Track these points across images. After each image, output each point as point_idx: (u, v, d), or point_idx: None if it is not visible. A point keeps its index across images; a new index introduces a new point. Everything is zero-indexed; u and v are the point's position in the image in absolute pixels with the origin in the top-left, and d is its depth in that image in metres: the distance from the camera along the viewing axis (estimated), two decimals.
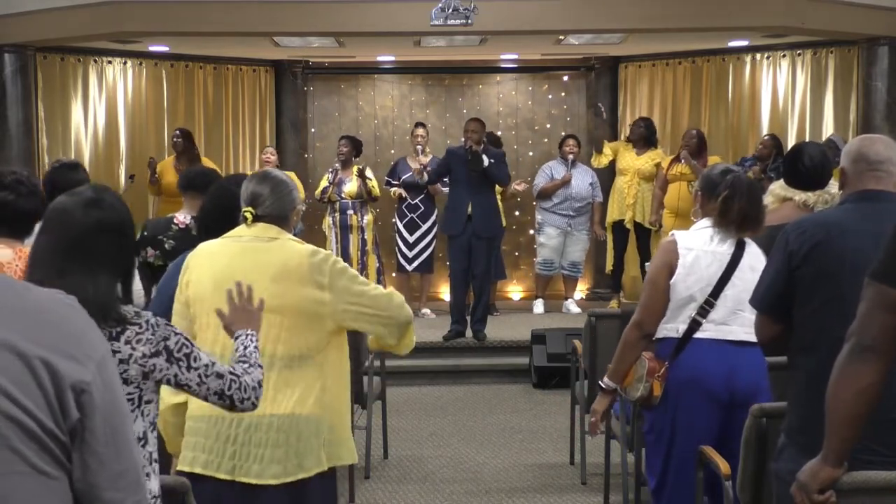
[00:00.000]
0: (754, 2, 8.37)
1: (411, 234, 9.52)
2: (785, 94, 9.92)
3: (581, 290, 10.60)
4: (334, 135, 10.29)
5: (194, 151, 9.19)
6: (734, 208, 3.69)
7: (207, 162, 9.04)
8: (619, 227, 9.65)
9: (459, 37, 8.76)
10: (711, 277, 3.70)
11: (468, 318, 8.39)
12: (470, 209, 8.20)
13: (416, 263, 9.53)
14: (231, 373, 2.50)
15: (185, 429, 3.10)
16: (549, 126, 10.99)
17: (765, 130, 9.78)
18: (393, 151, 10.70)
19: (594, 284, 10.74)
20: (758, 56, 10.05)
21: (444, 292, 10.03)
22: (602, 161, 9.65)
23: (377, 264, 9.40)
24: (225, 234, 3.18)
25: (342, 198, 9.29)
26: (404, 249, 9.53)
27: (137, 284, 4.48)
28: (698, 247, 3.73)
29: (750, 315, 3.65)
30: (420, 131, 9.59)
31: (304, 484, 3.03)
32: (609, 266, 9.86)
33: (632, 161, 9.53)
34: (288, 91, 10.86)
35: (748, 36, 9.46)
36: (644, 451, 4.13)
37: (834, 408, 2.34)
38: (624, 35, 9.01)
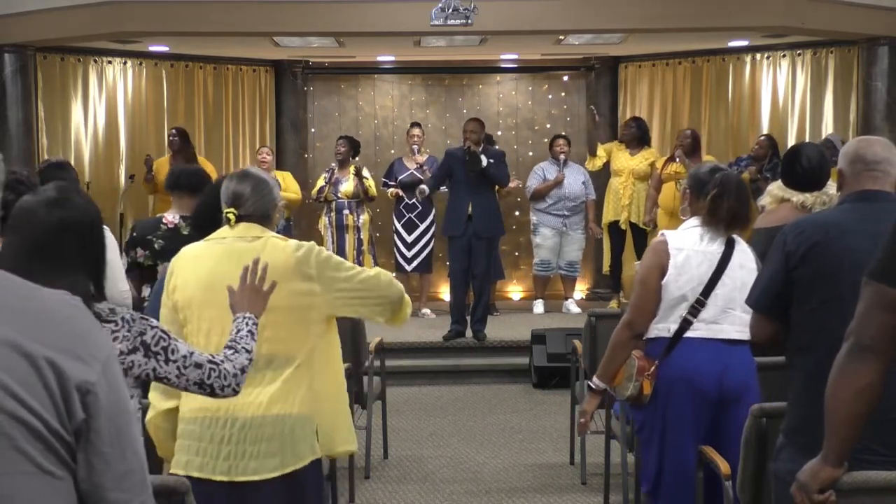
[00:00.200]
0: (754, 2, 8.37)
1: (410, 233, 9.52)
2: (785, 94, 9.93)
3: (581, 290, 10.61)
4: (334, 135, 10.30)
5: (190, 150, 9.21)
6: (723, 207, 3.69)
7: (205, 162, 9.07)
8: (614, 227, 9.66)
9: (459, 37, 8.76)
10: (702, 277, 3.70)
11: (468, 318, 8.39)
12: (470, 209, 8.19)
13: (415, 263, 9.53)
14: (210, 361, 2.50)
15: (178, 431, 3.09)
16: (549, 126, 10.99)
17: (765, 130, 9.79)
18: (393, 151, 10.70)
19: (594, 284, 10.74)
20: (758, 56, 10.06)
21: (444, 292, 10.04)
22: (596, 164, 9.67)
23: (373, 264, 9.40)
24: (208, 237, 3.17)
25: (338, 197, 9.29)
26: (403, 249, 9.53)
27: (124, 284, 4.50)
28: (689, 246, 3.73)
29: (741, 313, 3.67)
30: (416, 131, 9.61)
31: (297, 474, 3.03)
32: (605, 267, 9.88)
33: (626, 162, 9.55)
34: (288, 91, 10.86)
35: (748, 36, 9.47)
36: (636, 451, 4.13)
37: (833, 408, 2.34)
38: (624, 35, 9.01)
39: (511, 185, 9.27)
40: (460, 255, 8.26)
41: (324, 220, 9.47)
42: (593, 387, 3.93)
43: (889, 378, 2.30)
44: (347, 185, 9.28)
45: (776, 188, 4.61)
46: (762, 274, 3.06)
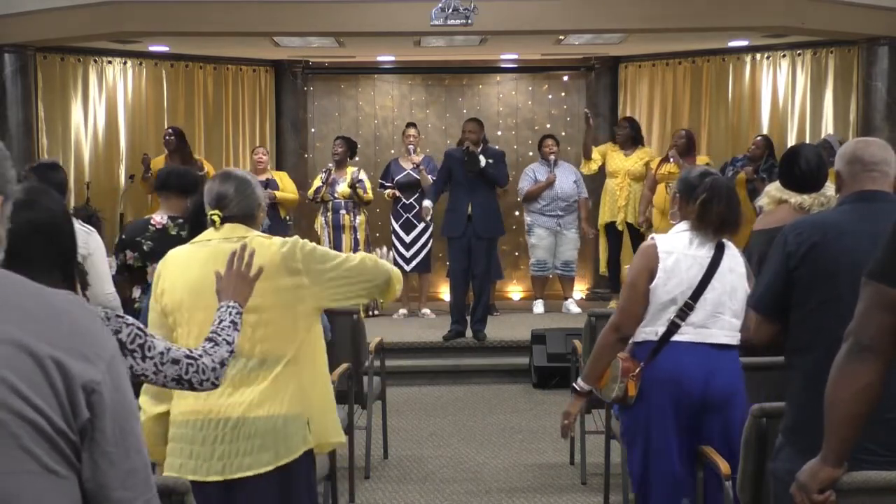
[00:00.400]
0: (754, 2, 8.37)
1: (408, 234, 9.53)
2: (785, 94, 9.93)
3: (581, 290, 10.61)
4: (334, 135, 10.30)
5: (187, 150, 9.22)
6: (713, 211, 3.68)
7: (203, 162, 9.08)
8: (611, 228, 9.67)
9: (459, 37, 8.76)
10: (692, 281, 3.68)
11: (468, 318, 8.39)
12: (470, 209, 8.19)
13: (413, 263, 9.53)
14: (188, 356, 2.50)
15: (170, 435, 3.10)
16: (549, 126, 10.98)
17: (765, 130, 9.80)
18: (392, 151, 10.70)
19: (594, 284, 10.74)
20: (758, 56, 10.06)
21: (444, 292, 10.04)
22: (592, 167, 9.68)
23: None
24: (193, 240, 3.18)
25: (335, 198, 9.31)
26: (401, 250, 9.53)
27: (110, 287, 4.50)
28: (679, 250, 3.72)
29: (730, 318, 3.67)
30: (411, 131, 9.62)
31: (290, 466, 3.04)
32: (601, 268, 9.89)
33: (621, 163, 9.57)
34: (288, 91, 10.86)
35: (748, 36, 9.47)
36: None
37: (833, 408, 2.34)
38: (624, 35, 9.02)
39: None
40: (460, 255, 8.26)
41: (320, 219, 9.48)
42: (578, 388, 3.92)
43: (888, 378, 2.30)
44: (344, 186, 9.29)
45: (774, 189, 4.60)
46: (762, 275, 3.06)
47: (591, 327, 5.42)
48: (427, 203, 8.58)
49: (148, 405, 3.14)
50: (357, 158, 9.57)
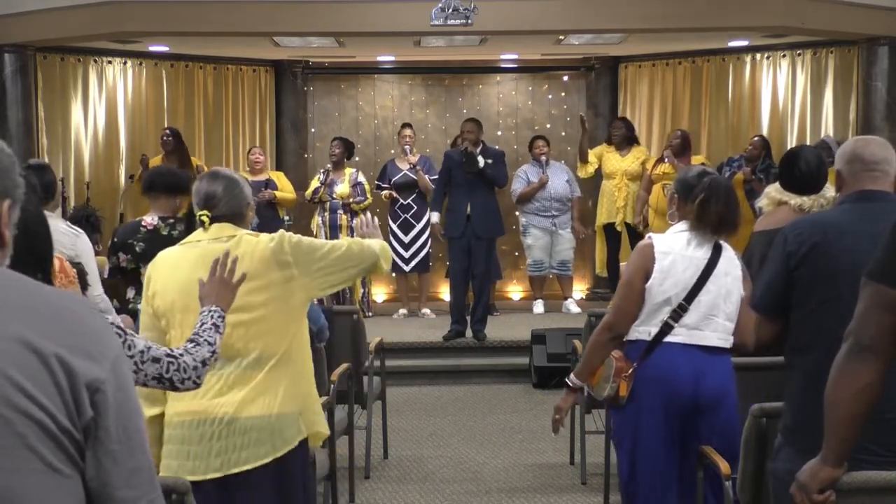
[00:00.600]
0: (754, 2, 8.38)
1: (406, 234, 9.53)
2: (785, 94, 9.93)
3: (581, 290, 10.61)
4: (334, 135, 10.30)
5: (184, 150, 9.23)
6: (711, 211, 3.67)
7: (199, 163, 9.09)
8: (609, 229, 9.67)
9: (459, 37, 8.77)
10: (687, 282, 3.67)
11: (468, 318, 8.39)
12: (469, 210, 8.20)
13: (413, 263, 9.53)
14: (168, 355, 2.50)
15: (165, 437, 3.10)
16: (549, 126, 10.99)
17: (765, 130, 9.80)
18: (392, 151, 10.69)
19: (594, 284, 10.74)
20: (758, 56, 10.06)
21: (444, 292, 10.04)
22: (589, 170, 9.70)
23: None
24: (182, 241, 3.19)
25: (333, 198, 9.31)
26: (400, 250, 9.52)
27: (98, 289, 4.51)
28: (676, 251, 3.71)
29: (723, 321, 3.67)
30: (407, 132, 9.63)
31: (286, 457, 3.05)
32: (598, 268, 9.90)
33: (618, 163, 9.58)
34: (288, 91, 10.87)
35: (748, 36, 9.47)
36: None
37: (833, 408, 2.34)
38: (624, 35, 9.02)
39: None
40: (460, 255, 8.26)
41: (317, 219, 9.49)
42: (570, 384, 3.93)
43: (888, 378, 2.30)
44: (342, 187, 9.30)
45: (774, 191, 4.59)
46: (763, 275, 3.05)
47: (591, 327, 5.41)
48: (435, 219, 8.63)
49: (142, 407, 3.14)
50: (357, 159, 9.57)
